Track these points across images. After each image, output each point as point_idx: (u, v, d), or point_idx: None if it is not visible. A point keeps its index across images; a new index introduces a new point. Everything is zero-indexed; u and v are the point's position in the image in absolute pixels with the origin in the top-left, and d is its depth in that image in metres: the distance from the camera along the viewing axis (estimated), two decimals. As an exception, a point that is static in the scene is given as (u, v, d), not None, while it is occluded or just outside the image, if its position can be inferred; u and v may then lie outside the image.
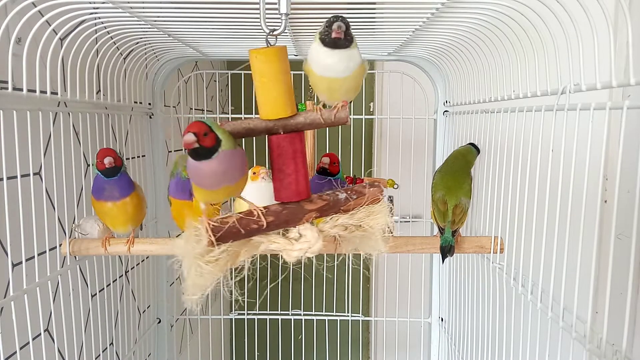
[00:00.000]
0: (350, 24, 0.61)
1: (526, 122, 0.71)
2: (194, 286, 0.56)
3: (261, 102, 0.57)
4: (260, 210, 0.57)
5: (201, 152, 0.53)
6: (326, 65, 0.61)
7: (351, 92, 0.64)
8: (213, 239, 0.54)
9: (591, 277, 0.58)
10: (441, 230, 0.81)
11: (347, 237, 0.61)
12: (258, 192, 0.75)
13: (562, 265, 0.62)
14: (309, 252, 0.58)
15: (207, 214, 0.56)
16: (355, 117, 1.29)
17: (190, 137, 0.52)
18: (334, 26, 0.59)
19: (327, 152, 1.35)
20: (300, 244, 0.58)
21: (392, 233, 0.60)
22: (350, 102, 0.72)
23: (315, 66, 0.62)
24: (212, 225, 0.54)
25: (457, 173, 0.85)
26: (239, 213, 0.57)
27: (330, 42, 0.60)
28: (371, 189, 0.61)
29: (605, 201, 1.15)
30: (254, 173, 0.78)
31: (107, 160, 0.73)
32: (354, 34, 0.62)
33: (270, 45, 0.57)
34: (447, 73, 1.08)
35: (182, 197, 0.79)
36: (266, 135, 0.59)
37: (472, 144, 0.89)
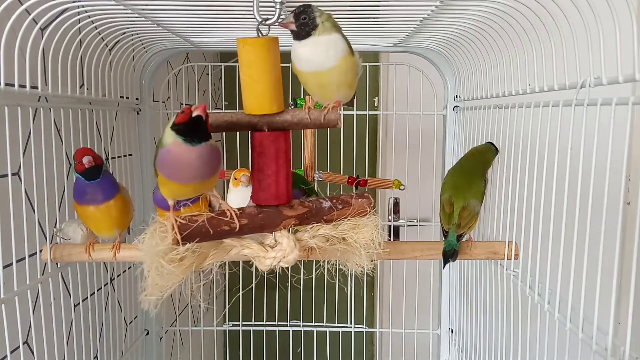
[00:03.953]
0: (352, 11, 0.61)
1: (542, 118, 0.71)
2: (153, 286, 0.55)
3: (246, 96, 0.57)
4: (234, 211, 0.56)
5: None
6: (302, 58, 0.62)
7: (343, 89, 0.64)
8: (179, 237, 0.54)
9: (613, 286, 0.58)
10: (445, 234, 0.81)
11: (327, 249, 0.60)
12: (243, 199, 0.75)
13: (581, 272, 0.62)
14: (283, 261, 0.58)
15: (175, 211, 0.56)
16: (359, 112, 1.29)
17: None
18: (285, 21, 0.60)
19: (328, 150, 1.35)
20: (275, 252, 0.58)
21: (378, 249, 0.59)
22: (353, 97, 0.72)
23: (297, 62, 0.63)
24: (179, 222, 0.54)
25: (469, 173, 0.85)
26: (211, 212, 0.56)
27: (294, 34, 0.60)
28: (359, 200, 0.60)
29: (628, 203, 1.15)
30: (235, 178, 0.78)
31: (87, 160, 0.73)
32: (351, 23, 0.62)
33: (262, 35, 0.57)
34: (457, 66, 1.07)
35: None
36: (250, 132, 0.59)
37: (490, 143, 0.88)
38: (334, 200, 0.60)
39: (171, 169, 0.55)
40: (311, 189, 0.93)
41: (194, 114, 0.52)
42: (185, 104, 1.51)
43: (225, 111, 0.61)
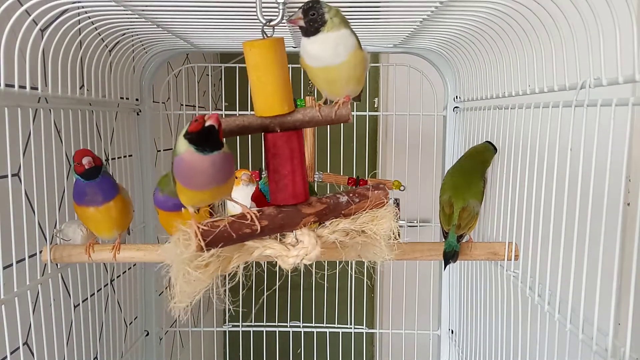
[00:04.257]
0: (352, 12, 0.61)
1: (542, 119, 0.71)
2: (182, 293, 0.56)
3: (256, 98, 0.57)
4: (254, 213, 0.57)
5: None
6: (311, 54, 0.62)
7: (352, 84, 0.64)
8: (202, 243, 0.54)
9: (613, 286, 0.58)
10: (445, 235, 0.81)
11: (348, 243, 0.60)
12: (244, 199, 0.75)
13: (581, 273, 0.62)
14: (306, 259, 0.58)
15: (196, 217, 0.56)
16: (359, 113, 1.29)
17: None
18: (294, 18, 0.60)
19: (328, 151, 1.34)
20: (297, 250, 0.58)
21: (398, 239, 0.60)
22: (361, 91, 0.72)
23: (306, 58, 0.63)
24: (202, 229, 0.54)
25: (468, 173, 0.85)
26: (231, 216, 0.57)
27: (302, 30, 0.61)
28: (375, 192, 0.60)
29: (628, 204, 1.15)
30: (236, 177, 0.78)
31: (86, 161, 0.73)
32: (351, 23, 0.62)
33: (267, 36, 0.57)
34: (457, 66, 1.07)
35: (172, 209, 0.79)
36: (262, 134, 0.59)
37: (488, 142, 0.89)
38: (351, 194, 0.61)
39: (186, 177, 0.56)
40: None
41: (206, 124, 0.52)
42: (186, 105, 1.51)
43: (236, 115, 0.61)
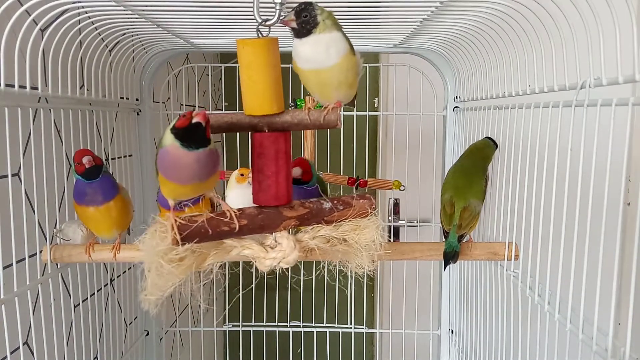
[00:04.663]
0: (352, 12, 0.60)
1: (542, 119, 0.71)
2: (153, 286, 0.56)
3: (246, 96, 0.57)
4: (234, 212, 0.57)
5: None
6: (302, 56, 0.61)
7: (344, 88, 0.63)
8: (178, 237, 0.54)
9: (613, 286, 0.58)
10: (445, 235, 0.81)
11: (328, 250, 0.60)
12: (244, 197, 0.75)
13: (581, 273, 0.62)
14: (283, 262, 0.58)
15: (178, 211, 0.56)
16: (359, 113, 1.29)
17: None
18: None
19: (328, 151, 1.34)
20: (275, 252, 0.58)
21: (381, 246, 0.59)
22: (355, 97, 0.72)
23: (297, 60, 0.62)
24: (179, 223, 0.54)
25: (469, 172, 0.85)
26: (211, 213, 0.56)
27: (295, 32, 0.60)
28: (360, 201, 0.60)
29: (628, 204, 1.15)
30: (242, 175, 0.78)
31: (86, 160, 0.73)
32: (351, 23, 0.62)
33: (262, 36, 0.57)
34: (457, 66, 1.07)
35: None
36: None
37: (488, 138, 0.89)
38: (335, 201, 0.60)
39: (168, 169, 0.55)
40: (324, 187, 0.92)
41: (193, 120, 0.52)
42: (186, 105, 1.51)
43: (226, 112, 0.61)
